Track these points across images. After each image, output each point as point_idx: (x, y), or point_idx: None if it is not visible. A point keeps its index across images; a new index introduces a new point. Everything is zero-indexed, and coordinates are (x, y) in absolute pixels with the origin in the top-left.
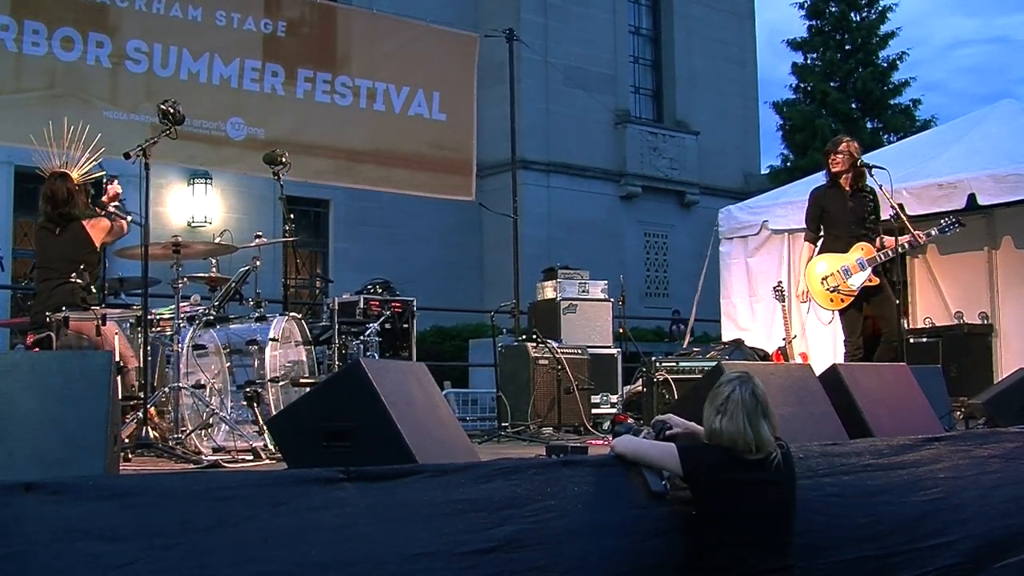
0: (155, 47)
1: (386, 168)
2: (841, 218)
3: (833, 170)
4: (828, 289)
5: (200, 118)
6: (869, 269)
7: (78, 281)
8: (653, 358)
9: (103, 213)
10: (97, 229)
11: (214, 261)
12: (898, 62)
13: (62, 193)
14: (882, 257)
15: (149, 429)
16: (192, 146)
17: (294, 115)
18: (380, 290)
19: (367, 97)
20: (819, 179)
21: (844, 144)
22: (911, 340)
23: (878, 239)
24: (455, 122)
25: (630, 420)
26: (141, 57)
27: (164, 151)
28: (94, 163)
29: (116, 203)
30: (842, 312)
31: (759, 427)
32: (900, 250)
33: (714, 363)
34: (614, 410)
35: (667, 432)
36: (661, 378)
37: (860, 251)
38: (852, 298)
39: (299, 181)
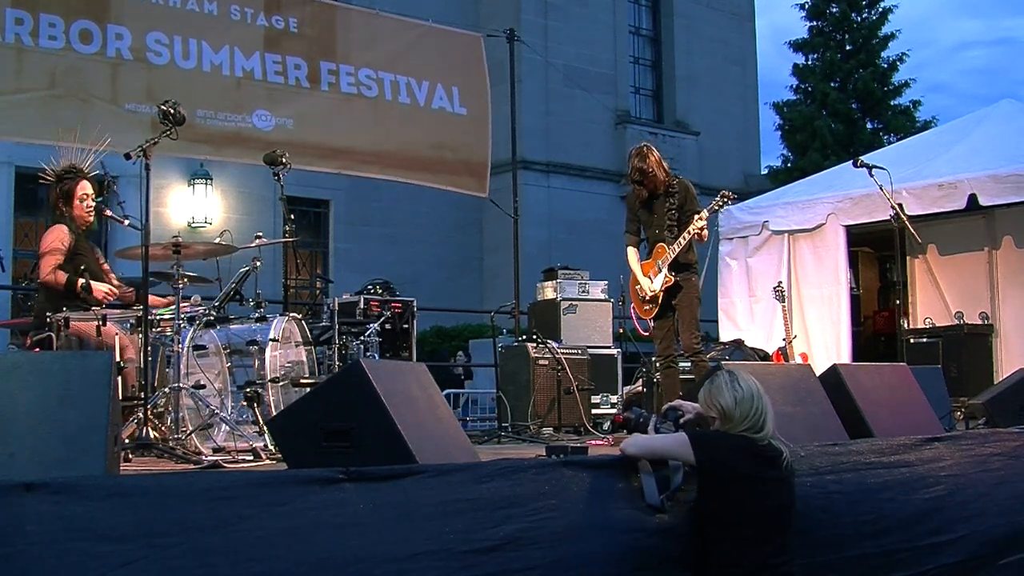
0: (175, 39)
1: (410, 161)
2: (647, 222)
3: (651, 187)
4: (643, 300)
5: (225, 111)
6: (665, 269)
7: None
8: (653, 358)
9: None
10: (48, 230)
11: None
12: (899, 63)
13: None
14: (674, 251)
15: (149, 429)
16: (216, 139)
17: (320, 107)
18: (380, 290)
19: (391, 90)
20: (820, 179)
21: (648, 161)
22: (911, 340)
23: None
24: (474, 117)
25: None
26: (162, 49)
27: (186, 147)
28: (94, 153)
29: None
30: (654, 320)
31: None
32: (685, 239)
33: (714, 363)
34: (614, 410)
35: (681, 420)
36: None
37: (658, 254)
38: (658, 306)
39: (333, 173)
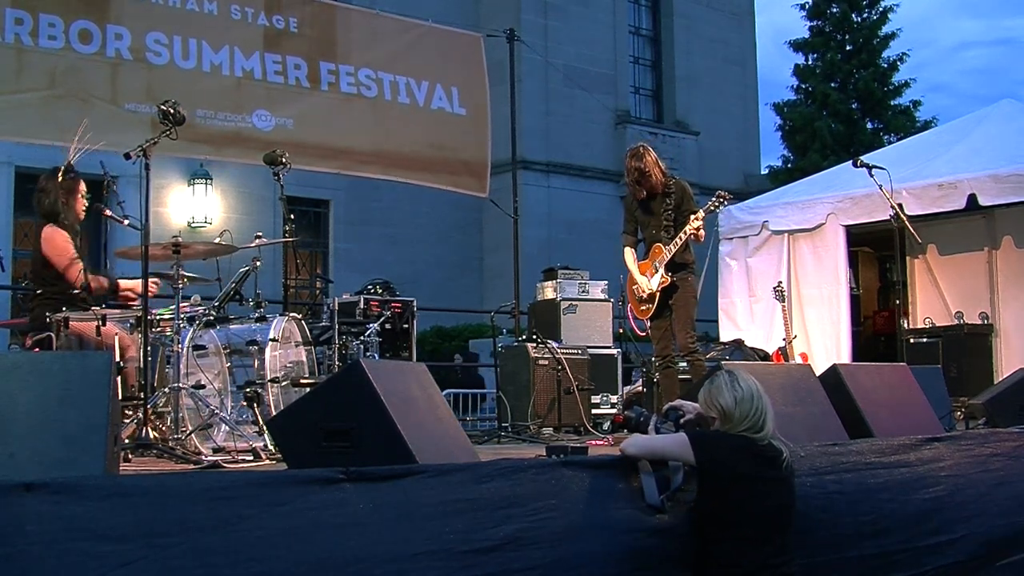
0: (175, 39)
1: (410, 161)
2: (644, 223)
3: (654, 191)
4: (639, 299)
5: (225, 111)
6: (661, 269)
7: (51, 295)
8: (653, 358)
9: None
10: (48, 237)
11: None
12: (899, 63)
13: (41, 184)
14: (670, 251)
15: (149, 429)
16: (216, 139)
17: (320, 107)
18: (380, 290)
19: (391, 90)
20: (820, 179)
21: (646, 161)
22: (911, 340)
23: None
24: (473, 118)
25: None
26: (162, 49)
27: (186, 147)
28: (84, 151)
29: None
30: (651, 320)
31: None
32: (681, 240)
33: (714, 363)
34: (614, 410)
35: (682, 420)
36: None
37: (654, 254)
38: (654, 306)
39: (333, 173)
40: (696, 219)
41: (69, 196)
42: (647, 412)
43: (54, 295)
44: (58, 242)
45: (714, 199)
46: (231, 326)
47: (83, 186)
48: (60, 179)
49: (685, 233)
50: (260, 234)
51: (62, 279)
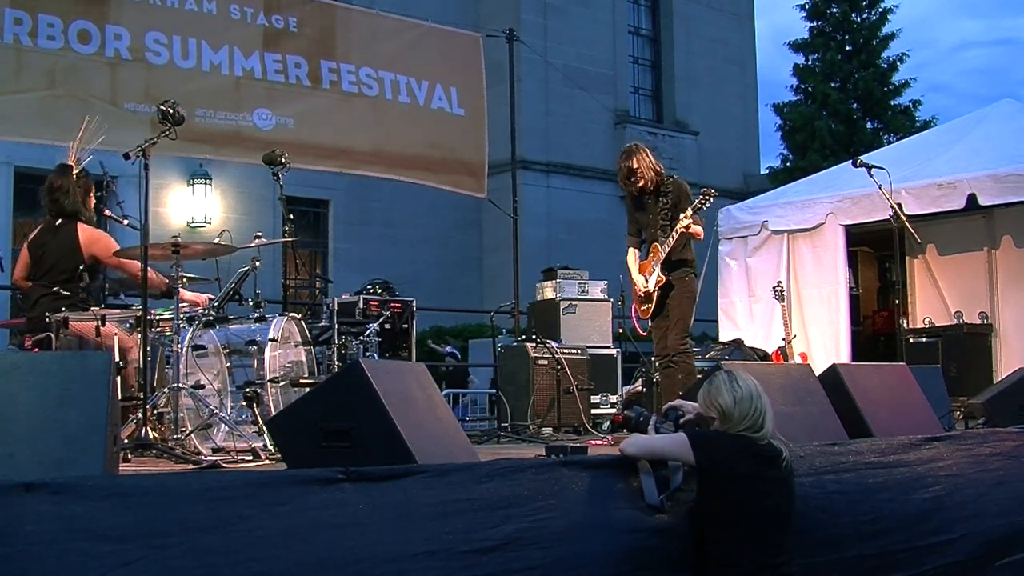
0: (174, 39)
1: (410, 161)
2: (644, 223)
3: (639, 185)
4: (640, 299)
5: (225, 110)
6: (658, 268)
7: (65, 294)
8: (653, 358)
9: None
10: (95, 237)
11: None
12: (899, 63)
13: (56, 182)
14: (664, 250)
15: (149, 429)
16: (215, 139)
17: (321, 106)
18: (380, 290)
19: (392, 89)
20: (820, 179)
21: (636, 159)
22: (911, 340)
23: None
24: (472, 118)
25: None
26: (161, 49)
27: (185, 147)
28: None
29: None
30: (651, 320)
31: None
32: (676, 234)
33: (713, 363)
34: (614, 410)
35: (681, 420)
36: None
37: (653, 253)
38: (654, 305)
39: (333, 172)
40: (684, 217)
41: (85, 195)
42: (647, 412)
43: (67, 291)
44: (105, 240)
45: (700, 196)
46: (230, 326)
47: (93, 186)
48: (76, 177)
49: (676, 232)
50: (260, 234)
51: (81, 278)
